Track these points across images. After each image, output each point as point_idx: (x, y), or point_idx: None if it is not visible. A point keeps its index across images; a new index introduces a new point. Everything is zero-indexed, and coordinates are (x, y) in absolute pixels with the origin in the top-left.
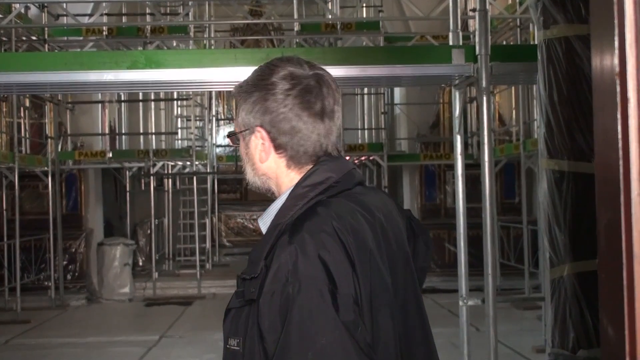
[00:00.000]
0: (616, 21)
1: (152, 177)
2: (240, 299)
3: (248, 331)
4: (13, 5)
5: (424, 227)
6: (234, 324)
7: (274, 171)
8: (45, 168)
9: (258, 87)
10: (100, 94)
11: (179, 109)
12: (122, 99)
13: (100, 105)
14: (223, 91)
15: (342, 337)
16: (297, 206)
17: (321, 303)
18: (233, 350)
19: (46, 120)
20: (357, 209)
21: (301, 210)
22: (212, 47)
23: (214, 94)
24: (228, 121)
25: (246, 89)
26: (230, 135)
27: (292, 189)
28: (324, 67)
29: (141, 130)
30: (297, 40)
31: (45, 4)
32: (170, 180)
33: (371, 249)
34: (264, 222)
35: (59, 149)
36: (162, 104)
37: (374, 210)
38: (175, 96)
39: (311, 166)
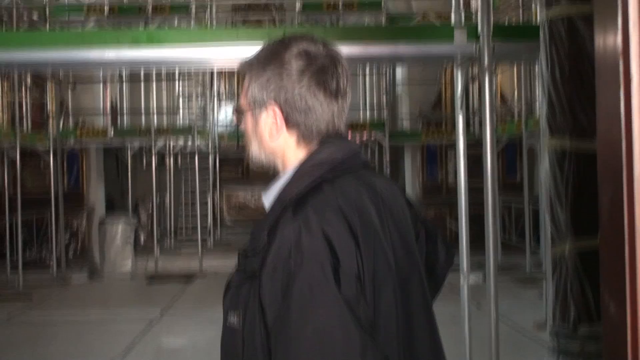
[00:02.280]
0: (619, 0)
1: (153, 155)
2: (242, 274)
3: (249, 307)
4: None
5: (438, 230)
6: (234, 300)
7: (282, 148)
8: (47, 146)
9: (272, 63)
10: (101, 72)
11: (181, 87)
12: (124, 77)
13: (101, 83)
14: (225, 69)
15: (342, 312)
16: (303, 183)
17: (322, 278)
18: (232, 326)
19: (47, 98)
20: (362, 188)
21: (306, 188)
22: (214, 26)
23: (215, 72)
24: (230, 99)
25: (259, 65)
26: (238, 110)
27: (297, 166)
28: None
29: (143, 108)
30: (299, 19)
31: None
32: (171, 158)
33: (375, 228)
34: (268, 198)
35: (61, 127)
36: (163, 82)
37: (378, 191)
38: (176, 74)
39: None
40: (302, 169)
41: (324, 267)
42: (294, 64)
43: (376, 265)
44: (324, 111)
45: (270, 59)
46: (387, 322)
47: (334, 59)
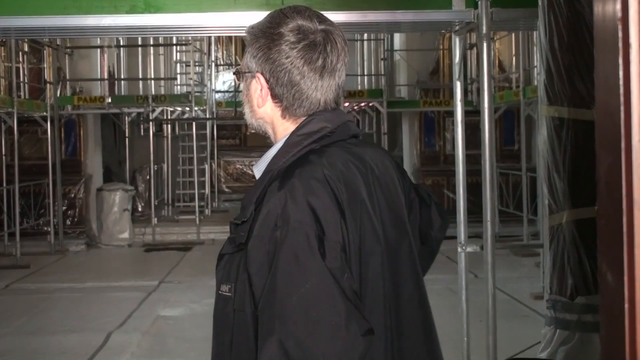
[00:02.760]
0: None
1: (151, 123)
2: (233, 244)
3: (239, 276)
4: None
5: (433, 197)
6: (226, 269)
7: (270, 117)
8: (44, 113)
9: (265, 34)
10: (99, 39)
11: (178, 54)
12: (121, 44)
13: (99, 50)
14: (222, 36)
15: (327, 281)
16: (290, 153)
17: (307, 248)
18: (225, 295)
19: (45, 65)
20: (351, 158)
21: (293, 158)
22: None
23: (213, 39)
24: (227, 67)
25: (254, 34)
26: (236, 73)
27: (287, 137)
28: (324, 12)
29: (140, 76)
30: None
31: None
32: (169, 125)
33: (363, 199)
34: (259, 168)
35: (58, 94)
36: (161, 49)
37: (368, 162)
38: (174, 41)
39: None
40: (290, 140)
41: (309, 237)
42: (285, 38)
43: (362, 237)
44: (307, 87)
45: (265, 29)
46: (374, 293)
47: (327, 36)
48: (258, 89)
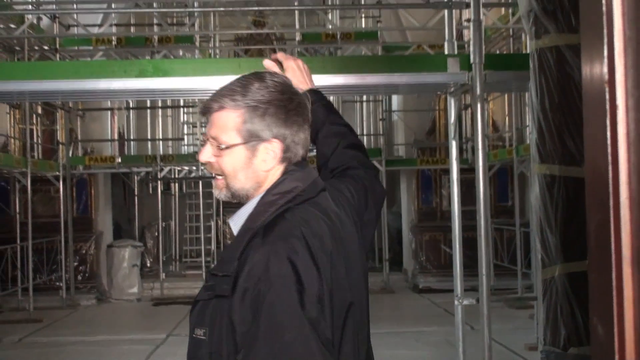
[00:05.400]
0: (605, 31)
1: (159, 182)
2: (210, 292)
3: (216, 322)
4: (26, 16)
5: (376, 170)
6: (200, 314)
7: (269, 178)
8: (57, 173)
9: (271, 102)
10: (109, 101)
11: (185, 115)
12: (131, 106)
13: (109, 112)
14: None
15: (305, 332)
16: (268, 212)
17: (288, 300)
18: (199, 339)
19: (57, 127)
20: (320, 215)
21: (271, 217)
22: (217, 56)
23: None
24: None
25: (251, 101)
26: (227, 147)
27: (262, 195)
28: (324, 75)
29: (149, 136)
30: (299, 50)
31: (57, 15)
32: (176, 184)
33: (331, 252)
34: (235, 224)
35: (70, 155)
36: (169, 111)
37: (332, 216)
38: (181, 103)
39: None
40: (265, 199)
41: (290, 290)
42: (285, 100)
43: (333, 286)
44: (305, 141)
45: (263, 94)
46: (349, 341)
47: (299, 93)
48: (268, 154)
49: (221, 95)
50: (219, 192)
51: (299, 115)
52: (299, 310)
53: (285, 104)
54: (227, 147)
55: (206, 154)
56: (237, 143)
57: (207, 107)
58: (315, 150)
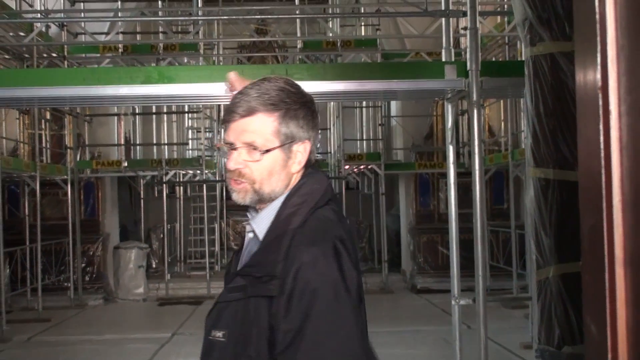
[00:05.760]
0: (599, 39)
1: (164, 185)
2: (238, 293)
3: (247, 323)
4: (35, 24)
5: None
6: (222, 316)
7: (293, 180)
8: (65, 176)
9: (301, 103)
10: (116, 107)
11: (190, 121)
12: (137, 111)
13: (116, 117)
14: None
15: (354, 329)
16: (301, 214)
17: (339, 299)
18: (217, 340)
19: (66, 132)
20: (341, 217)
21: (305, 218)
22: (221, 64)
23: (222, 107)
24: None
25: (292, 106)
26: (267, 151)
27: (286, 196)
28: (325, 82)
29: (154, 141)
30: (300, 57)
31: (65, 23)
32: (181, 187)
33: (355, 250)
34: (259, 226)
35: (78, 159)
36: (174, 116)
37: (345, 218)
38: (186, 109)
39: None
40: (293, 201)
41: (339, 289)
42: (309, 103)
43: (359, 282)
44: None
45: (298, 99)
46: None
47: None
48: (302, 155)
49: (249, 101)
50: (243, 196)
51: (317, 118)
52: (350, 308)
53: (310, 105)
54: (267, 151)
55: (237, 161)
56: (276, 146)
57: (236, 113)
58: None
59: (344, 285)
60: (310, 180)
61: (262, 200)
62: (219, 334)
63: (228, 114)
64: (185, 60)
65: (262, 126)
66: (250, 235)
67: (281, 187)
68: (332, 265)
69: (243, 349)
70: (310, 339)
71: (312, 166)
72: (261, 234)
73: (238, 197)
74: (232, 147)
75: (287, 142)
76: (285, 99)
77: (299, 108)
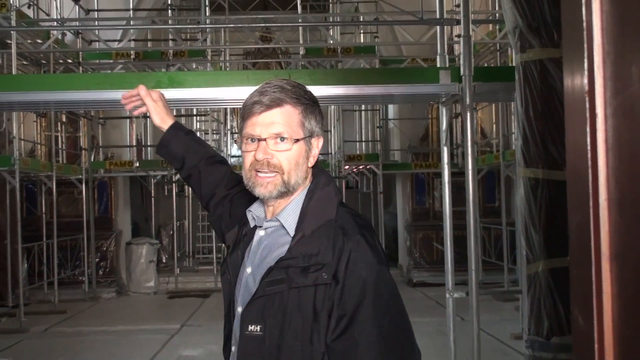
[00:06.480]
0: (585, 45)
1: (174, 184)
2: (279, 285)
3: (291, 313)
4: (51, 32)
5: None
6: (259, 310)
7: (309, 172)
8: (80, 176)
9: (315, 102)
10: (128, 111)
11: (198, 123)
12: (148, 114)
13: (128, 120)
14: (237, 108)
15: (403, 306)
16: (332, 206)
17: (386, 278)
18: (255, 335)
19: (80, 134)
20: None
21: (337, 210)
22: (227, 69)
23: (229, 110)
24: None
25: (311, 103)
26: (299, 139)
27: (308, 190)
28: (326, 86)
29: None
30: (302, 63)
31: (80, 31)
32: (190, 187)
33: None
34: (286, 220)
35: (92, 159)
36: (183, 119)
37: None
38: (194, 112)
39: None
40: (320, 194)
41: (385, 272)
42: (318, 102)
43: None
44: None
45: (313, 98)
46: None
47: None
48: (316, 150)
49: (274, 92)
50: (272, 189)
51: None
52: (395, 289)
53: (319, 105)
54: (296, 141)
55: (265, 151)
56: (302, 137)
57: (262, 104)
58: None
59: (386, 269)
60: (323, 176)
61: (287, 192)
62: (256, 328)
63: (252, 107)
64: (194, 66)
65: (289, 117)
66: (262, 232)
67: (302, 178)
68: (374, 252)
69: (283, 340)
70: (364, 324)
71: (315, 164)
72: (291, 228)
73: (265, 191)
74: (260, 138)
75: (308, 136)
76: (304, 95)
77: (314, 105)
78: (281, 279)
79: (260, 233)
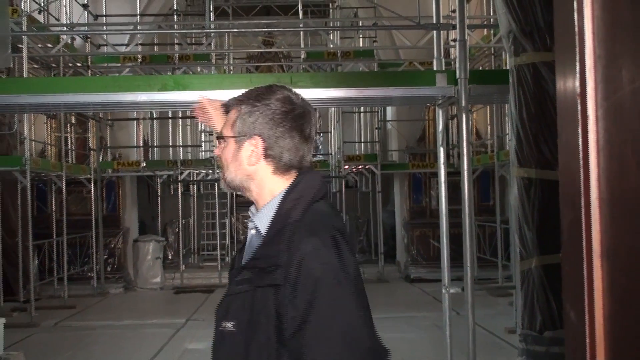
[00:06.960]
0: (577, 49)
1: (179, 184)
2: (245, 285)
3: (256, 312)
4: (61, 36)
5: None
6: (231, 308)
7: (259, 174)
8: (89, 176)
9: (261, 103)
10: (135, 112)
11: (203, 125)
12: (154, 116)
13: (135, 121)
14: None
15: (355, 310)
16: (299, 208)
17: (340, 280)
18: (228, 330)
19: (89, 135)
20: (335, 209)
21: (303, 211)
22: (231, 72)
23: None
24: None
25: (248, 103)
26: (221, 137)
27: (284, 193)
28: (327, 89)
29: (170, 143)
30: (304, 66)
31: (89, 36)
32: (195, 186)
33: (351, 239)
34: (261, 221)
35: (100, 159)
36: (188, 121)
37: (338, 211)
38: None
39: (294, 175)
40: (292, 196)
41: (338, 273)
42: (279, 107)
43: (357, 268)
44: (297, 150)
45: (259, 99)
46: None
47: (309, 110)
48: (251, 149)
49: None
50: (222, 184)
51: (290, 122)
52: (350, 292)
53: (278, 108)
54: (223, 139)
55: (216, 148)
56: (229, 136)
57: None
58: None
59: (343, 271)
60: (306, 177)
61: (230, 187)
62: (229, 325)
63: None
64: (199, 69)
65: (229, 118)
66: (253, 231)
67: (240, 177)
68: (332, 253)
69: (253, 336)
70: (316, 323)
71: (308, 167)
72: (263, 229)
73: (221, 184)
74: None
75: (237, 135)
76: (249, 97)
77: (256, 106)
78: (248, 278)
79: (251, 232)
